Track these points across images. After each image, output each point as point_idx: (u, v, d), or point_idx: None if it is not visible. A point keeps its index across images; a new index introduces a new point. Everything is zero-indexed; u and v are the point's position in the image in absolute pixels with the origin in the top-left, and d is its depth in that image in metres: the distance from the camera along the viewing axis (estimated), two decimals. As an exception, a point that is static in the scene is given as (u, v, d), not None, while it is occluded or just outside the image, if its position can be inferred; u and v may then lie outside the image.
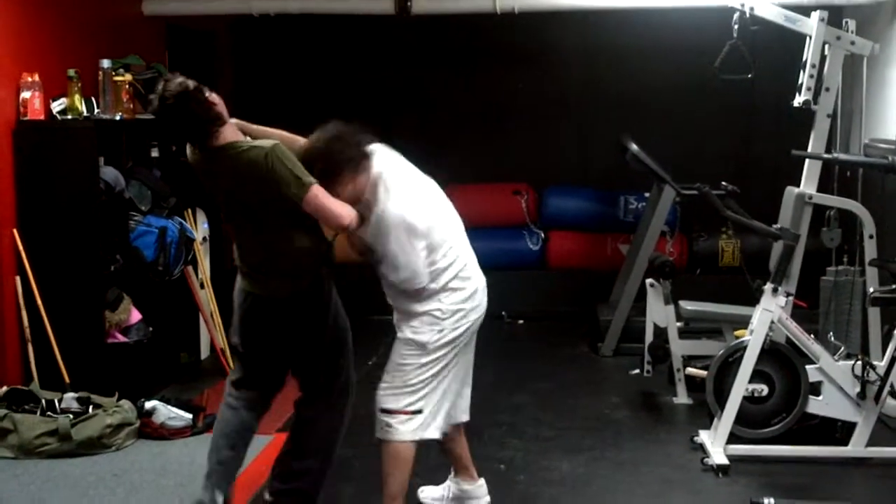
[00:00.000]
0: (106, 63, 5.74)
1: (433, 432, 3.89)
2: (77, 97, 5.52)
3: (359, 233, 3.76)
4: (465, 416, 4.08)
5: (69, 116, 5.52)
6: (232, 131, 3.73)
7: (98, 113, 5.67)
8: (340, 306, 4.00)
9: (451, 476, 4.26)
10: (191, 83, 3.67)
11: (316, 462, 4.02)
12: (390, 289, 3.85)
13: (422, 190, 3.81)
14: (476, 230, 3.90)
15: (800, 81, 4.91)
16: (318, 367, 3.97)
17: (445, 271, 3.75)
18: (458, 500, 4.23)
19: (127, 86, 5.82)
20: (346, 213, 3.65)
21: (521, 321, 7.95)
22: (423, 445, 3.95)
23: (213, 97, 3.69)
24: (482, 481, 4.22)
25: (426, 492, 4.30)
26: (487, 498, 4.22)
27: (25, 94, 5.39)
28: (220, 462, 4.01)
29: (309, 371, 3.99)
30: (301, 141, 3.85)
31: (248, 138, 3.79)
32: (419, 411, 3.80)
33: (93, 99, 5.69)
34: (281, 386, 4.10)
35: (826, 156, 4.93)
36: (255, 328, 3.93)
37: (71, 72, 5.53)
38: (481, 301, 3.88)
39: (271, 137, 3.83)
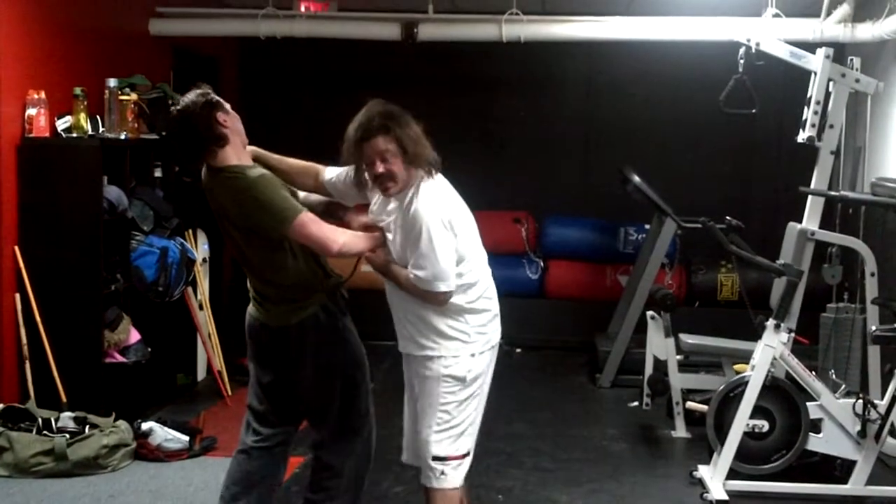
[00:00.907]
0: (112, 82, 5.75)
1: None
2: (83, 115, 5.53)
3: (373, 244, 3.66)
4: None
5: (74, 134, 5.52)
6: (236, 154, 3.65)
7: (103, 131, 5.68)
8: (354, 341, 3.84)
9: None
10: (202, 99, 3.64)
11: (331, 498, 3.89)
12: (412, 313, 3.64)
13: (459, 201, 3.68)
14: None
15: (804, 117, 4.93)
16: (328, 406, 3.80)
17: (473, 287, 3.61)
18: None
19: (132, 105, 5.83)
20: (335, 238, 3.56)
21: (518, 350, 7.93)
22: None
23: (226, 118, 3.64)
24: None
25: None
26: None
27: (31, 111, 5.39)
28: None
29: (318, 410, 3.84)
30: (321, 169, 3.81)
31: (254, 165, 3.72)
32: (468, 453, 3.68)
33: (98, 117, 5.70)
34: (294, 426, 3.95)
35: (833, 193, 4.95)
36: (261, 355, 3.85)
37: (77, 90, 5.53)
38: (499, 328, 3.76)
39: (290, 168, 3.81)
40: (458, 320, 3.60)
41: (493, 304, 3.73)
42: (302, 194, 3.86)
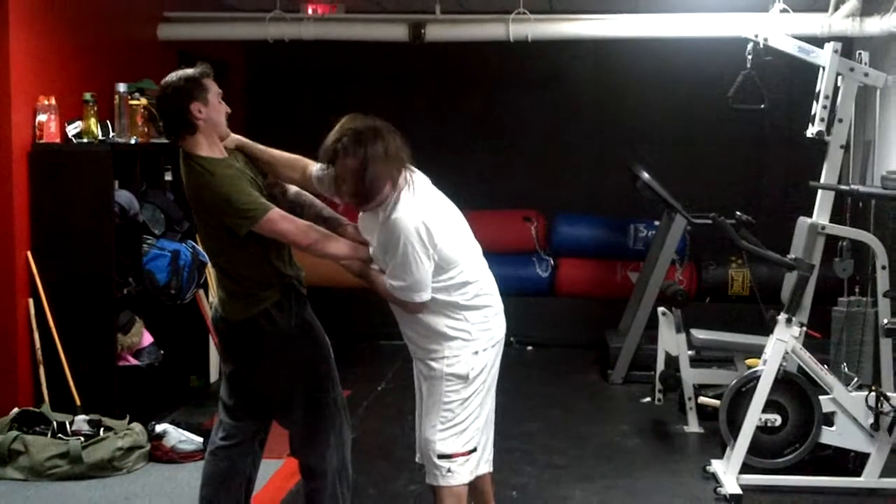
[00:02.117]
0: (122, 87, 5.79)
1: (486, 467, 3.81)
2: (93, 120, 5.55)
3: (357, 248, 3.67)
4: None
5: (85, 140, 5.54)
6: (207, 144, 3.62)
7: (113, 136, 5.70)
8: (314, 336, 3.81)
9: None
10: (183, 84, 3.60)
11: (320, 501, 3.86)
12: (410, 319, 3.67)
13: (440, 208, 3.65)
14: (485, 256, 3.83)
15: (813, 112, 4.93)
16: (290, 401, 3.76)
17: (469, 285, 3.61)
18: None
19: (142, 109, 5.85)
20: (307, 233, 3.57)
21: (529, 347, 7.94)
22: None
23: (203, 110, 3.58)
24: None
25: None
26: None
27: (41, 118, 5.41)
28: None
29: (280, 405, 3.80)
30: (309, 163, 3.77)
31: (224, 159, 3.67)
32: (475, 449, 3.68)
33: (108, 122, 5.72)
34: (262, 423, 3.91)
35: (844, 187, 4.94)
36: (224, 348, 3.85)
37: (87, 95, 5.56)
38: (503, 324, 3.76)
39: (274, 159, 3.79)
40: (458, 319, 3.61)
41: (493, 300, 3.73)
42: (293, 189, 3.86)
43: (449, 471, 3.64)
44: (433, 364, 3.64)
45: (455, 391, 3.62)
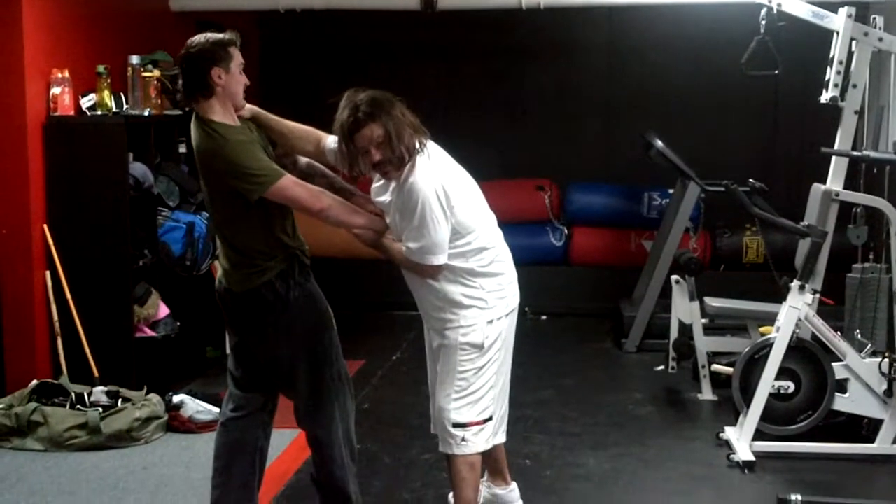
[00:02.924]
0: (135, 59, 5.80)
1: (501, 437, 3.82)
2: (106, 93, 5.58)
3: (369, 218, 3.68)
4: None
5: (98, 112, 5.57)
6: (221, 110, 3.60)
7: (127, 109, 5.72)
8: (317, 308, 3.78)
9: (483, 479, 4.11)
10: (209, 47, 3.58)
11: (328, 472, 3.89)
12: (425, 288, 3.67)
13: (455, 172, 3.66)
14: (499, 226, 3.82)
15: (827, 78, 4.90)
16: (293, 373, 3.76)
17: (486, 251, 3.62)
18: None
19: (155, 82, 5.87)
20: (319, 199, 3.56)
21: (543, 317, 7.95)
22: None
23: (222, 76, 3.56)
24: (514, 485, 4.11)
25: None
26: (519, 503, 4.11)
27: (55, 90, 5.44)
28: (214, 487, 3.91)
29: (284, 377, 3.81)
30: (322, 135, 3.78)
31: (238, 126, 3.66)
32: (490, 418, 3.68)
33: (122, 95, 5.74)
34: (269, 394, 3.90)
35: (856, 153, 4.91)
36: (228, 319, 3.85)
37: (100, 68, 5.58)
38: (517, 293, 3.77)
39: (288, 130, 3.79)
40: (474, 287, 3.62)
41: (508, 268, 3.73)
42: (304, 160, 3.87)
43: (463, 440, 3.65)
44: (448, 333, 3.65)
45: (470, 360, 3.63)
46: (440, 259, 3.54)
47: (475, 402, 3.65)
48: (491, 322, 3.64)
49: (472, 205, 3.64)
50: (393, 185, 3.58)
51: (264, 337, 3.76)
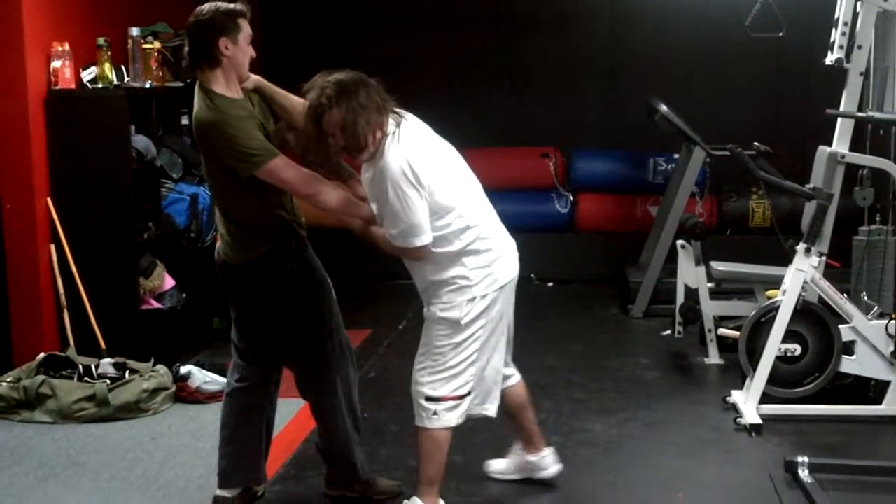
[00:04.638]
0: (135, 31, 5.77)
1: (486, 410, 3.79)
2: (107, 65, 5.55)
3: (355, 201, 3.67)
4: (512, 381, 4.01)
5: (100, 85, 5.55)
6: (224, 82, 3.57)
7: (128, 81, 5.70)
8: (314, 280, 3.79)
9: (516, 447, 4.18)
10: (219, 17, 3.55)
11: (332, 441, 3.92)
12: (414, 265, 3.67)
13: (429, 150, 3.59)
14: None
15: (831, 39, 4.86)
16: (290, 343, 3.79)
17: (464, 233, 3.56)
18: (524, 472, 4.16)
19: (156, 53, 5.85)
20: (310, 183, 3.54)
21: (550, 284, 7.95)
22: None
23: (229, 47, 3.54)
24: (547, 451, 4.13)
25: (493, 465, 4.24)
26: (556, 466, 4.12)
27: (56, 64, 5.42)
28: (221, 457, 3.96)
29: (282, 348, 3.82)
30: None
31: (239, 99, 3.63)
32: (467, 394, 3.65)
33: (122, 67, 5.72)
34: (272, 364, 3.92)
35: (860, 114, 4.88)
36: (228, 290, 3.85)
37: (100, 40, 5.56)
38: (510, 267, 3.71)
39: (290, 104, 3.76)
40: (456, 265, 3.58)
41: (495, 244, 3.67)
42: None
43: (435, 413, 3.63)
44: (430, 307, 3.65)
45: (446, 336, 3.60)
46: (423, 239, 3.50)
47: (451, 377, 3.62)
48: (473, 300, 3.58)
49: (452, 183, 3.59)
50: (373, 169, 3.55)
51: (262, 309, 3.76)
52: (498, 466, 4.24)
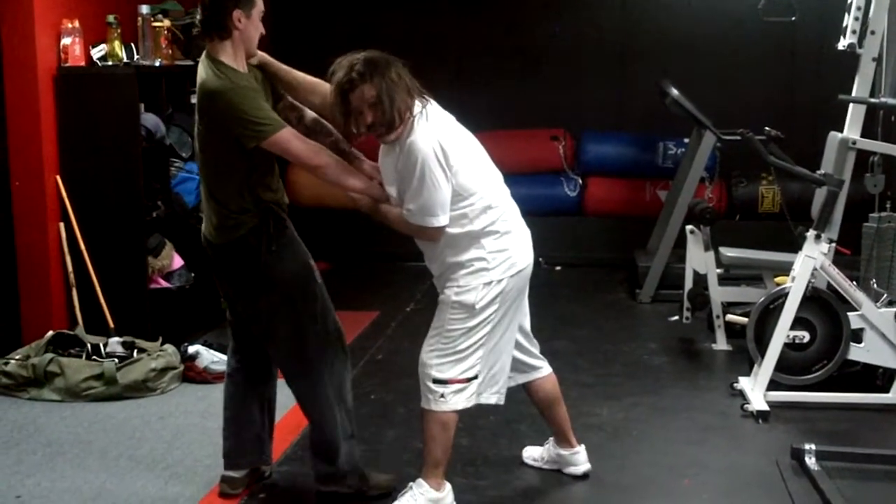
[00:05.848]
0: (145, 9, 5.75)
1: (492, 398, 3.76)
2: (117, 43, 5.54)
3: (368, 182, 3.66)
4: (538, 374, 4.02)
5: (109, 63, 5.55)
6: (233, 54, 3.56)
7: (138, 59, 5.69)
8: (295, 263, 3.73)
9: (551, 440, 4.19)
10: None
11: (322, 434, 3.85)
12: (429, 247, 3.66)
13: (456, 133, 3.60)
14: (513, 176, 3.75)
15: (844, 24, 4.83)
16: (271, 326, 3.73)
17: (485, 213, 3.55)
18: (555, 464, 4.16)
19: (166, 31, 5.83)
20: (317, 155, 3.53)
21: (558, 267, 7.94)
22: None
23: (242, 19, 3.53)
24: (580, 448, 4.12)
25: (527, 451, 4.26)
26: (585, 466, 4.11)
27: (66, 41, 5.41)
28: (225, 438, 3.96)
29: (264, 332, 3.77)
30: (327, 87, 3.65)
31: (245, 73, 3.61)
32: (474, 377, 3.63)
33: (132, 45, 5.70)
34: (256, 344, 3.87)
35: (873, 100, 4.85)
36: (213, 271, 3.83)
37: (110, 17, 5.55)
38: (526, 254, 3.69)
39: (296, 81, 3.74)
40: (475, 248, 3.57)
41: (514, 227, 3.66)
42: (310, 116, 3.81)
43: (442, 396, 3.61)
44: (445, 290, 3.64)
45: (460, 319, 3.59)
46: (440, 220, 3.50)
47: (459, 360, 3.60)
48: (489, 283, 3.57)
49: (475, 166, 3.59)
50: (396, 149, 3.53)
51: (242, 291, 3.73)
52: (532, 453, 4.25)
